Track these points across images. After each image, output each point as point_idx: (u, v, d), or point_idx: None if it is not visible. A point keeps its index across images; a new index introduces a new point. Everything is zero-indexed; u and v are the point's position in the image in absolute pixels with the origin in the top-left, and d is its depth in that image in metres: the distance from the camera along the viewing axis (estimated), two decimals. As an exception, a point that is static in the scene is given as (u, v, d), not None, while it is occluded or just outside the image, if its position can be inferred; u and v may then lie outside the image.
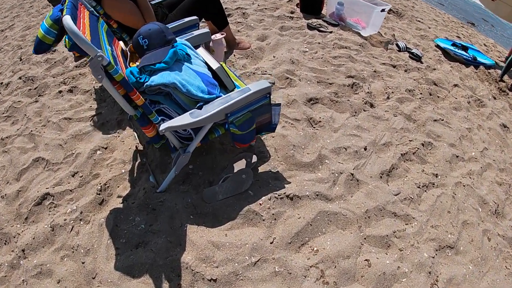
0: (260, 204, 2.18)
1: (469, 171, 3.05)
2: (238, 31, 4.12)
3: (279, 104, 2.17)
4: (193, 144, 2.14)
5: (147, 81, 2.01)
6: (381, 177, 2.62)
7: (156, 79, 1.99)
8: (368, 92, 3.37)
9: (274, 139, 2.58)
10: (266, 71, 3.28)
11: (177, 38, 2.41)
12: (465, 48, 5.12)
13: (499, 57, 5.86)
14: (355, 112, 3.08)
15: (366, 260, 2.12)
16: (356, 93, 3.34)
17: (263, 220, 2.14)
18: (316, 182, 2.35)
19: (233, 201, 2.21)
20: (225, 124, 2.09)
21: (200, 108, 1.97)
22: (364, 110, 3.14)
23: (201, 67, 2.23)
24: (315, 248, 2.08)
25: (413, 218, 2.44)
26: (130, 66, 2.26)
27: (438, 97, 4.04)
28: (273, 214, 2.15)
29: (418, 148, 3.00)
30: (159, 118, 1.99)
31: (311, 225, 2.15)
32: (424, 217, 2.46)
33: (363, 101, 3.22)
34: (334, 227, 2.21)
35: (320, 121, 2.80)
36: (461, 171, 3.03)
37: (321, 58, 3.72)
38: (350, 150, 2.64)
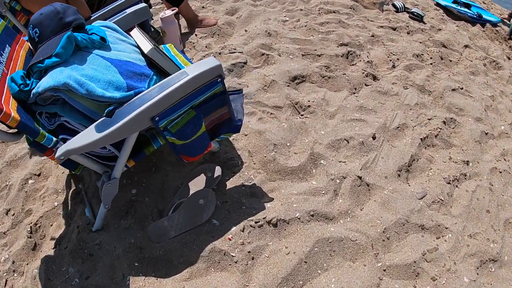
0: (230, 239, 1.44)
1: (502, 151, 2.34)
2: (203, 7, 3.30)
3: (240, 92, 1.41)
4: (118, 168, 1.40)
5: (33, 88, 1.25)
6: (399, 175, 1.87)
7: (43, 83, 1.23)
8: (368, 61, 2.58)
9: (247, 138, 1.82)
10: (235, 49, 2.48)
11: (102, 21, 1.64)
12: (467, 6, 4.40)
13: (500, 15, 5.07)
14: (355, 89, 2.31)
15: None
16: (353, 64, 2.55)
17: (235, 262, 1.40)
18: (309, 195, 1.60)
19: (191, 237, 1.47)
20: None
21: (110, 114, 1.21)
22: (366, 85, 2.36)
23: (128, 53, 1.46)
24: None
25: (446, 228, 1.73)
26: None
27: (451, 61, 3.27)
28: (249, 252, 1.41)
29: (440, 129, 2.24)
30: (53, 140, 1.24)
31: (305, 262, 1.42)
32: (459, 224, 1.76)
33: (363, 73, 2.44)
34: (339, 260, 1.47)
35: (309, 106, 2.02)
36: (493, 152, 2.32)
37: (305, 26, 2.91)
38: (354, 142, 1.87)
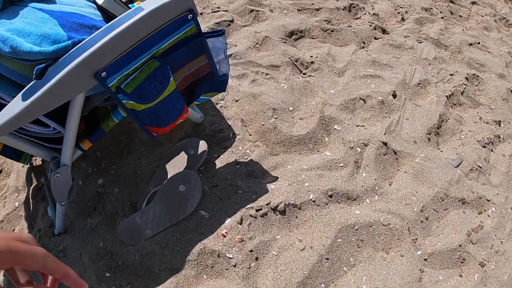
0: (224, 235, 1.05)
1: (531, 110, 1.96)
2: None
3: (220, 32, 0.99)
4: (66, 151, 1.00)
5: None
6: (429, 139, 1.49)
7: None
8: (373, 14, 2.16)
9: (238, 104, 1.41)
10: (219, 8, 2.05)
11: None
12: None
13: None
14: (363, 43, 1.89)
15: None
16: (357, 18, 2.13)
17: (234, 265, 1.02)
18: (324, 169, 1.21)
19: (173, 237, 1.08)
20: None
21: (40, 75, 0.80)
22: (376, 38, 1.95)
23: (78, 6, 1.04)
24: None
25: (488, 201, 1.41)
26: None
27: (461, 16, 2.86)
28: (251, 250, 1.03)
29: (465, 85, 1.86)
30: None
31: (327, 258, 1.04)
32: (501, 195, 1.45)
33: (370, 25, 2.02)
34: (370, 251, 1.10)
35: (312, 63, 1.61)
36: (523, 109, 1.94)
37: (299, -20, 2.48)
38: (372, 101, 1.48)
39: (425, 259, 1.19)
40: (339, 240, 1.07)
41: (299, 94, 1.42)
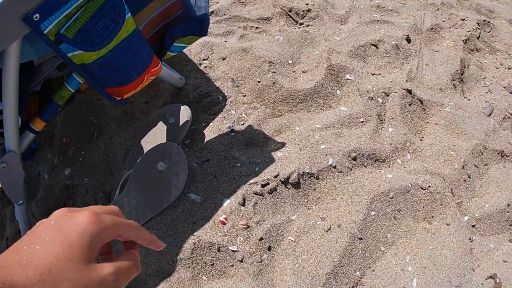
0: (224, 222, 0.78)
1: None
2: None
3: None
4: (9, 133, 0.73)
5: None
6: (454, 85, 1.23)
7: None
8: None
9: (226, 62, 1.11)
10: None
11: None
12: None
13: None
14: (363, -11, 1.62)
15: (490, 277, 0.82)
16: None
17: (240, 260, 0.76)
18: (341, 127, 0.94)
19: (159, 231, 0.80)
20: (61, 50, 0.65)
21: None
22: (376, -16, 1.67)
23: None
24: None
25: None
26: None
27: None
28: (260, 239, 0.76)
29: (479, 30, 1.60)
30: None
31: (360, 238, 0.78)
32: None
33: (368, -28, 1.74)
34: (410, 223, 0.84)
35: (309, 11, 1.32)
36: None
37: None
38: (385, 46, 1.20)
39: (473, 226, 0.94)
40: (373, 213, 0.81)
41: (298, 46, 1.14)
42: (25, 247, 0.33)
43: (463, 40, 1.50)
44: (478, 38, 1.61)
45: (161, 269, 0.79)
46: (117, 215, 0.40)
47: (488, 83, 1.41)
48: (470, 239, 0.93)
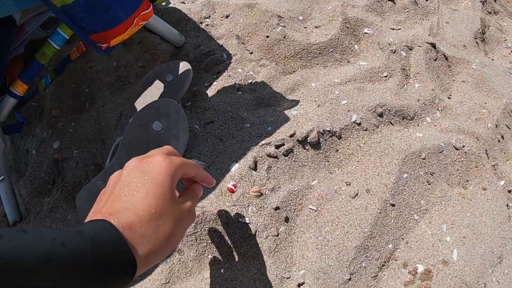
0: (232, 190, 0.65)
1: None
2: None
3: None
4: None
5: None
6: (477, 43, 1.09)
7: None
8: None
9: (229, 20, 0.95)
10: None
11: None
12: None
13: None
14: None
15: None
16: None
17: (253, 233, 0.63)
18: (363, 81, 0.80)
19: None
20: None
21: None
22: None
23: None
24: (415, 265, 0.61)
25: None
26: None
27: None
28: (276, 208, 0.64)
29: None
30: None
31: (392, 204, 0.66)
32: None
33: None
34: (444, 188, 0.72)
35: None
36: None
37: None
38: (402, 1, 1.03)
39: (509, 191, 0.82)
40: (405, 175, 0.68)
41: (308, 1, 1.00)
42: (122, 195, 0.36)
43: (480, 1, 1.37)
44: (495, 1, 1.47)
45: (162, 247, 0.66)
46: (176, 155, 0.43)
47: (510, 45, 1.27)
48: (508, 206, 0.80)
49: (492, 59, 1.14)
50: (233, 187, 0.65)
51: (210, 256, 0.66)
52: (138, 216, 0.34)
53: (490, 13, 1.44)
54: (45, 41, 0.74)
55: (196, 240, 0.65)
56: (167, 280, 0.67)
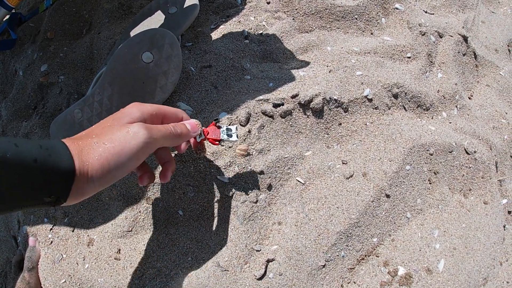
0: (216, 142, 0.56)
1: None
2: None
3: None
4: None
5: None
6: (509, 50, 0.97)
7: None
8: None
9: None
10: None
11: None
12: None
13: None
14: None
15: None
16: None
17: (229, 195, 0.54)
18: (383, 56, 0.68)
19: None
20: None
21: None
22: None
23: None
24: (396, 266, 0.52)
25: None
26: None
27: None
28: (261, 172, 0.54)
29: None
30: None
31: (387, 195, 0.56)
32: None
33: None
34: (444, 191, 0.62)
35: None
36: None
37: None
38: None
39: (509, 212, 0.73)
40: (407, 167, 0.59)
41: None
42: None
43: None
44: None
45: (128, 193, 0.57)
46: (156, 118, 0.44)
47: (541, 61, 1.15)
48: (504, 227, 0.72)
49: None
50: (216, 139, 0.55)
51: (180, 212, 0.57)
52: (88, 136, 0.37)
53: (524, 26, 1.31)
54: None
55: (168, 192, 0.56)
56: (130, 229, 0.58)
